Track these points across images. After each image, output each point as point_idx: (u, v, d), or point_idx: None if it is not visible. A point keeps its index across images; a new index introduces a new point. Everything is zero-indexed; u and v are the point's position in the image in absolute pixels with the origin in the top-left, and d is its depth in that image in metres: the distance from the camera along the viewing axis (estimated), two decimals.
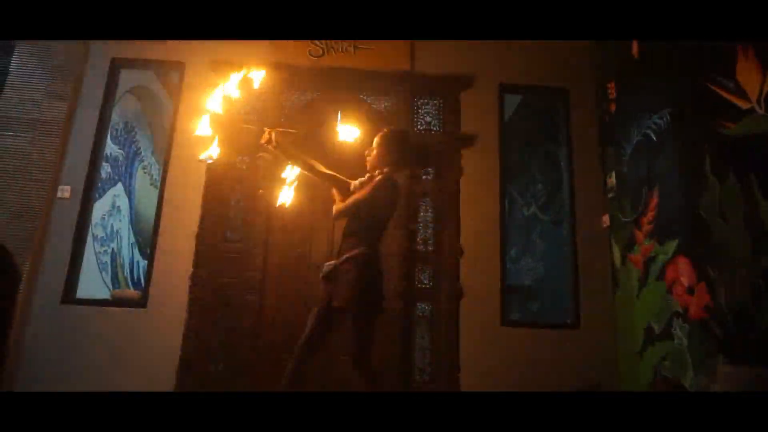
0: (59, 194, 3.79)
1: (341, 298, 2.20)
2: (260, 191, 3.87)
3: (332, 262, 2.31)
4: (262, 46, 4.10)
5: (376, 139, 2.45)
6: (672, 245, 3.15)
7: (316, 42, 4.18)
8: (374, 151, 2.43)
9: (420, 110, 4.18)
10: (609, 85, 4.05)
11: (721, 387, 2.07)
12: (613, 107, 3.99)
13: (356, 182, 2.44)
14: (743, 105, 2.60)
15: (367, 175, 2.43)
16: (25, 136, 3.82)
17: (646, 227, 3.43)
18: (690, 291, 2.96)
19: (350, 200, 2.33)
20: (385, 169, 2.37)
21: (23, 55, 4.00)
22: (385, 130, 2.52)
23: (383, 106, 4.16)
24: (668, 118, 3.25)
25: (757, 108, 2.53)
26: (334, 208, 2.36)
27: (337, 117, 4.13)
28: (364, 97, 4.18)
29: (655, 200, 3.36)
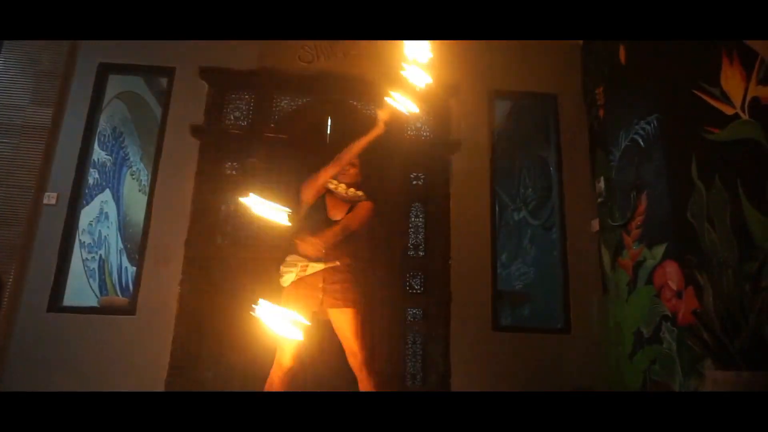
0: (46, 201, 3.74)
1: (346, 300, 2.30)
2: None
3: (320, 266, 2.32)
4: (252, 52, 4.10)
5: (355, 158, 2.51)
6: (660, 250, 3.17)
7: (307, 47, 4.17)
8: (356, 170, 2.49)
9: (410, 116, 4.19)
10: (597, 91, 4.09)
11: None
12: (601, 113, 4.02)
13: (333, 184, 2.48)
14: (728, 111, 2.63)
15: (351, 191, 2.47)
16: (10, 142, 3.78)
17: (635, 232, 3.46)
18: (678, 295, 2.99)
19: (339, 229, 2.39)
20: (362, 195, 2.48)
21: (8, 60, 3.96)
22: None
23: (374, 111, 4.16)
24: (656, 123, 3.29)
25: (741, 114, 2.56)
26: (324, 240, 2.33)
27: (327, 122, 4.17)
28: (355, 102, 4.18)
29: (643, 205, 3.39)
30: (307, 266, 2.29)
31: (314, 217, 2.43)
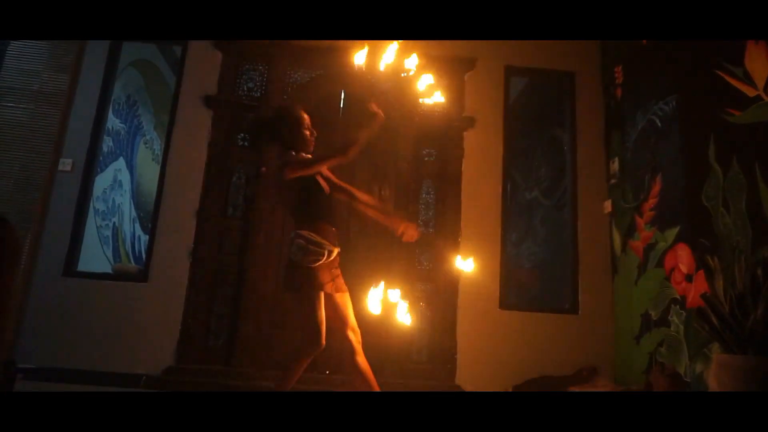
0: (61, 167, 3.79)
1: (344, 284, 2.38)
2: (263, 169, 3.86)
3: (336, 249, 2.34)
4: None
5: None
6: (673, 232, 3.14)
7: None
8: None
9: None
10: (616, 70, 4.00)
11: (716, 375, 2.08)
12: (619, 92, 3.94)
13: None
14: (750, 93, 2.57)
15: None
16: (26, 108, 3.81)
17: (648, 214, 3.42)
18: (689, 279, 2.97)
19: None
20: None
21: None
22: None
23: (387, 84, 4.12)
24: (674, 104, 3.22)
25: (763, 96, 2.49)
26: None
27: (341, 94, 4.14)
28: (369, 76, 4.13)
29: (657, 187, 3.34)
30: (333, 251, 2.31)
31: (317, 197, 2.39)
